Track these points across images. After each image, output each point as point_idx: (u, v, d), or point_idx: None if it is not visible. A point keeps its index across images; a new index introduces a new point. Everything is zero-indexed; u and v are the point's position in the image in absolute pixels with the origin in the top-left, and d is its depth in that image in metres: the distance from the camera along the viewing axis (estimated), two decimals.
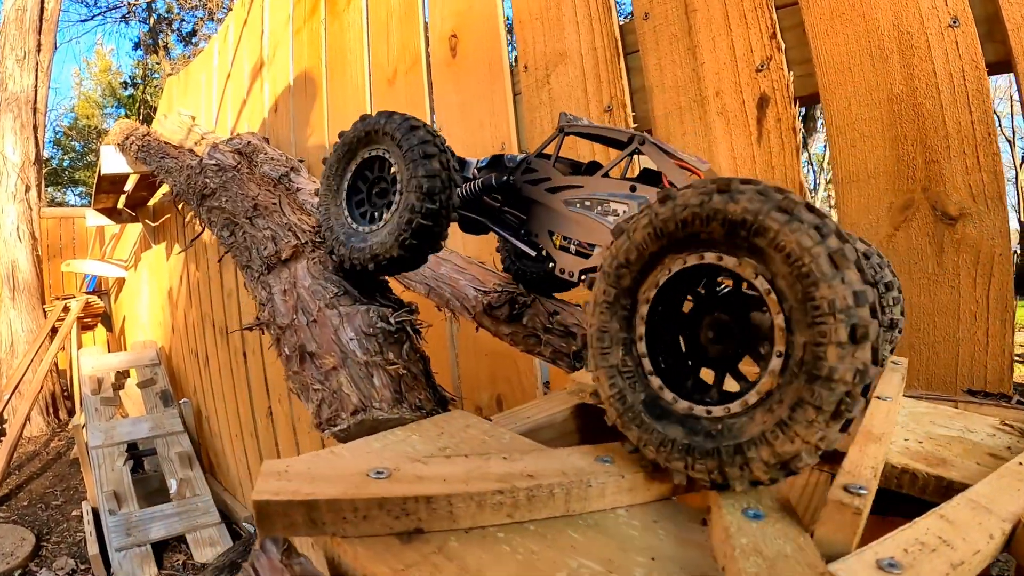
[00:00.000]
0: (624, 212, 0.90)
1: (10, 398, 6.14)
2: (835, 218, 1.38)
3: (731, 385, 0.61)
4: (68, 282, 9.93)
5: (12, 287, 7.13)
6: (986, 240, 1.18)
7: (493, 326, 1.26)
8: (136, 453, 5.19)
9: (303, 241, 1.14)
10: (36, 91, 7.48)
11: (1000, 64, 1.19)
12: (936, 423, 0.91)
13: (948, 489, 0.68)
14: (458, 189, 0.97)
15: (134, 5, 17.63)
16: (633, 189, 0.90)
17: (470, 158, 1.14)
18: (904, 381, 1.01)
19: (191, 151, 2.96)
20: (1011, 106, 14.89)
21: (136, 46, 19.05)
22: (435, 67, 2.20)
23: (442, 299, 1.36)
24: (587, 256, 0.96)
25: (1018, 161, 16.05)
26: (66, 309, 7.20)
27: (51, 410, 7.46)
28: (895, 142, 1.24)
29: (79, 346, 7.40)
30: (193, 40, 17.98)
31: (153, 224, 6.21)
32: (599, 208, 0.93)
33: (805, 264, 0.49)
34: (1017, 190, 15.48)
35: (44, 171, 8.47)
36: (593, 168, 1.02)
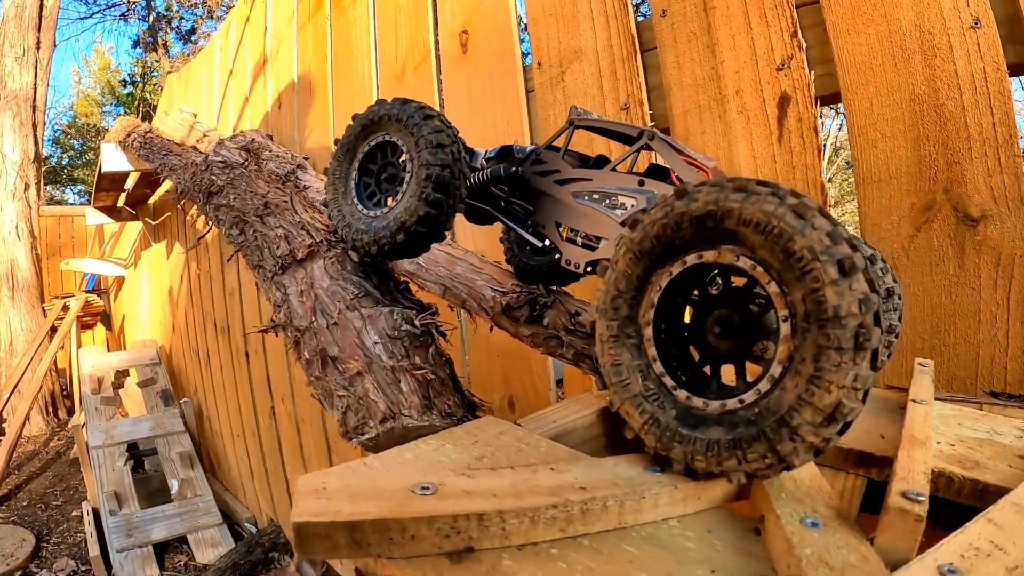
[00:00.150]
0: (632, 206, 0.90)
1: (9, 397, 6.10)
2: (856, 219, 1.36)
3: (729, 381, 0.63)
4: (67, 281, 9.90)
5: (11, 286, 7.09)
6: (1007, 242, 1.17)
7: (512, 327, 1.22)
8: (137, 453, 5.16)
9: (318, 240, 1.11)
10: (35, 89, 7.44)
11: (1021, 66, 1.19)
12: (964, 425, 0.91)
13: (984, 492, 0.68)
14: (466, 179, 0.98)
15: (133, 3, 17.59)
16: (641, 184, 0.90)
17: (478, 148, 1.13)
18: (934, 384, 1.01)
19: (194, 148, 2.93)
20: None
21: (135, 44, 18.98)
22: (445, 63, 2.17)
23: (458, 300, 1.33)
24: (593, 248, 0.96)
25: None
26: (65, 308, 7.16)
27: (50, 409, 7.43)
28: (917, 143, 1.23)
29: (79, 345, 7.36)
30: (192, 38, 17.93)
31: (153, 222, 6.17)
32: (607, 201, 0.93)
33: (773, 224, 0.52)
34: None
35: (43, 169, 8.42)
36: (601, 162, 1.03)
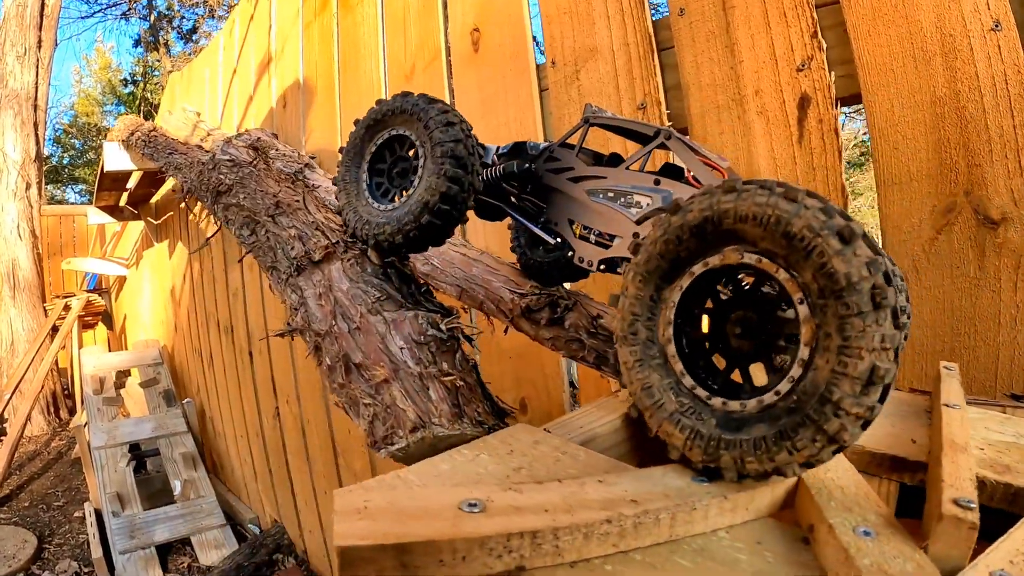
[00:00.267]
0: (647, 205, 0.90)
1: (11, 397, 6.07)
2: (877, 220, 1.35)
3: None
4: (68, 280, 9.88)
5: (12, 285, 7.06)
6: None
7: (532, 330, 1.20)
8: (139, 454, 5.13)
9: (333, 241, 1.08)
10: (37, 88, 7.41)
11: None
12: (990, 429, 0.91)
13: (1016, 497, 0.69)
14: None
15: (135, 2, 17.54)
16: (657, 183, 0.90)
17: (490, 144, 1.13)
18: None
19: (199, 147, 2.90)
20: None
21: (136, 43, 18.90)
22: (456, 62, 2.15)
23: (475, 301, 1.30)
24: (607, 246, 0.96)
25: None
26: (67, 308, 7.14)
27: (52, 409, 7.40)
28: (938, 145, 1.23)
29: (80, 345, 7.34)
30: (194, 37, 17.85)
31: (155, 222, 6.15)
32: (622, 200, 0.93)
33: (768, 213, 0.54)
34: None
35: (44, 168, 8.40)
36: (614, 160, 1.03)
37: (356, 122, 1.11)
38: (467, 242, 1.48)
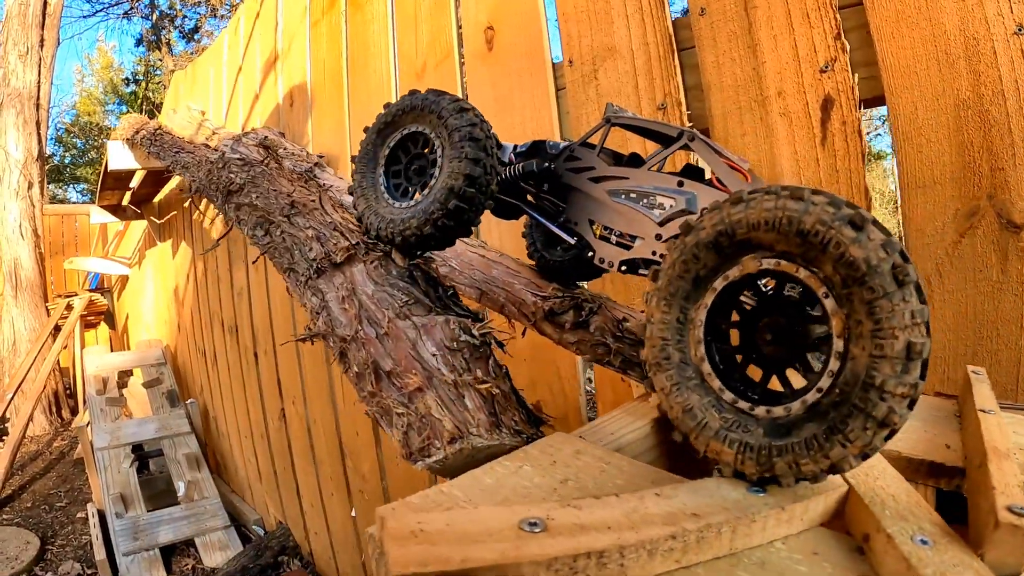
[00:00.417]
0: (671, 207, 0.89)
1: (13, 397, 6.05)
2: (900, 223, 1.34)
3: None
4: (70, 280, 9.86)
5: (15, 285, 7.05)
6: None
7: (556, 334, 1.17)
8: (142, 454, 5.11)
9: (353, 242, 1.06)
10: (39, 87, 7.39)
11: None
12: (1019, 433, 0.89)
13: None
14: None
15: (137, 1, 17.52)
16: (680, 184, 0.89)
17: (507, 143, 1.12)
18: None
19: (205, 145, 2.88)
20: None
21: (138, 43, 18.89)
22: (469, 60, 2.12)
23: (496, 304, 1.27)
24: (628, 247, 0.95)
25: None
26: (69, 307, 7.12)
27: (54, 409, 7.38)
28: (961, 148, 1.22)
29: (82, 344, 7.32)
30: (196, 37, 17.83)
31: (158, 221, 6.13)
32: (644, 201, 0.92)
33: (779, 215, 0.55)
34: None
35: (46, 168, 8.38)
36: (635, 160, 1.01)
37: (366, 129, 1.10)
38: (484, 243, 1.46)
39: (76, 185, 19.77)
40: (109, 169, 4.63)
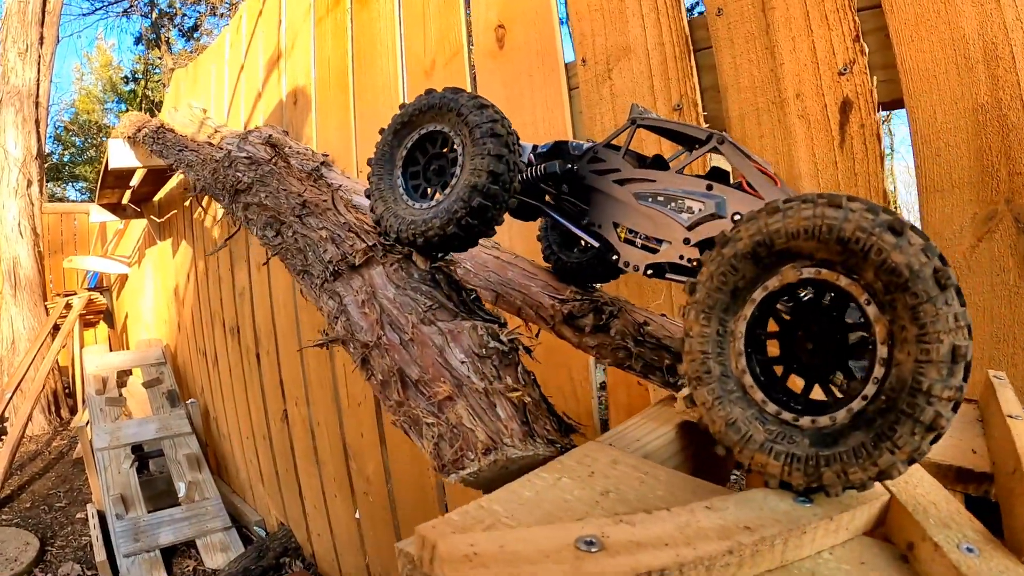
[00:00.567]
0: (699, 210, 0.88)
1: (12, 397, 6.02)
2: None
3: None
4: (69, 278, 9.83)
5: (14, 284, 7.01)
6: None
7: (576, 337, 1.15)
8: (142, 455, 5.08)
9: (370, 244, 1.03)
10: (38, 85, 7.36)
11: None
12: None
13: None
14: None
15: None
16: (709, 188, 0.88)
17: (525, 143, 1.10)
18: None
19: (208, 143, 2.85)
20: None
21: (137, 41, 18.84)
22: (479, 59, 2.10)
23: (512, 307, 1.25)
24: (654, 251, 0.93)
25: None
26: (68, 306, 7.09)
27: (53, 408, 7.35)
28: (980, 153, 1.21)
29: (81, 344, 7.29)
30: (195, 35, 17.78)
31: (158, 220, 6.10)
32: (672, 204, 0.91)
33: (818, 224, 0.55)
34: None
35: (45, 166, 8.34)
36: (658, 162, 1.00)
37: (381, 131, 1.08)
38: (499, 244, 1.43)
39: (75, 183, 19.73)
40: (110, 167, 4.60)
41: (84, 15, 17.92)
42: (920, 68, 1.27)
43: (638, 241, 0.95)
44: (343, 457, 3.21)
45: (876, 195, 1.33)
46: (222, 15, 16.89)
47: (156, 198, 6.02)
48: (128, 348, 8.06)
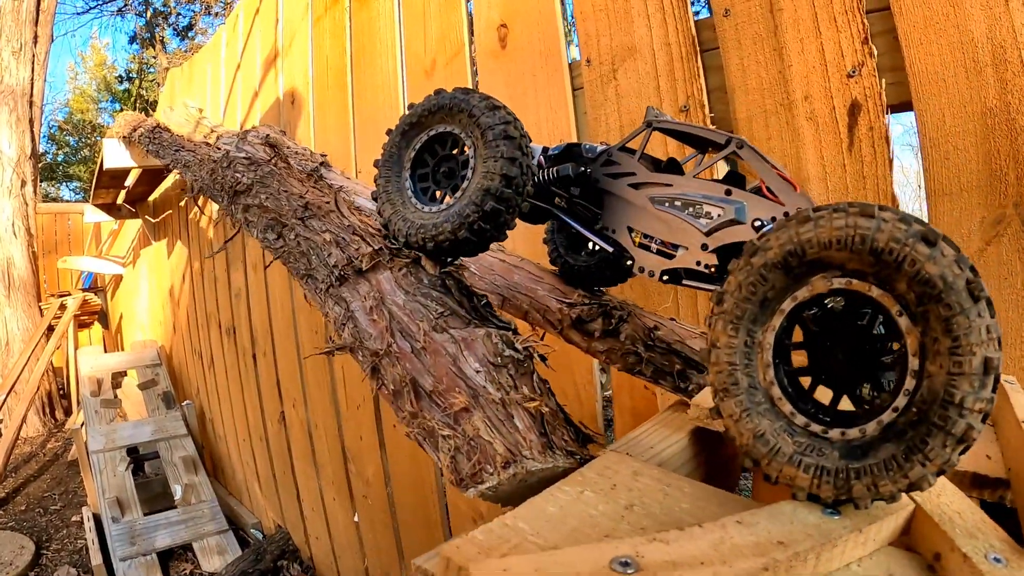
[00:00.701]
0: (718, 216, 0.86)
1: (6, 398, 5.97)
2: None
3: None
4: (63, 279, 9.77)
5: (7, 284, 6.97)
6: None
7: (584, 342, 1.13)
8: (138, 457, 5.05)
9: (376, 247, 1.01)
10: (32, 84, 7.32)
11: None
12: None
13: None
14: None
15: None
16: (728, 193, 0.86)
17: (535, 145, 1.07)
18: None
19: (205, 143, 2.82)
20: None
21: (132, 40, 18.78)
22: (481, 58, 2.07)
23: (519, 311, 1.23)
24: (670, 257, 0.92)
25: None
26: (62, 307, 7.04)
27: (47, 410, 7.31)
28: (988, 156, 1.20)
29: (76, 345, 7.24)
30: (190, 34, 17.71)
31: (153, 220, 6.06)
32: (690, 209, 0.89)
33: (851, 233, 0.54)
34: None
35: (39, 166, 8.29)
36: (673, 165, 0.98)
37: (389, 132, 1.05)
38: (503, 247, 1.42)
39: (69, 183, 19.63)
40: (105, 167, 4.56)
41: (78, 14, 17.87)
42: (929, 71, 1.26)
43: (653, 246, 0.94)
44: (342, 459, 3.19)
45: (885, 198, 1.32)
46: (217, 14, 16.83)
47: (151, 198, 5.98)
48: (123, 349, 8.01)
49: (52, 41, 7.76)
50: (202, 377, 5.33)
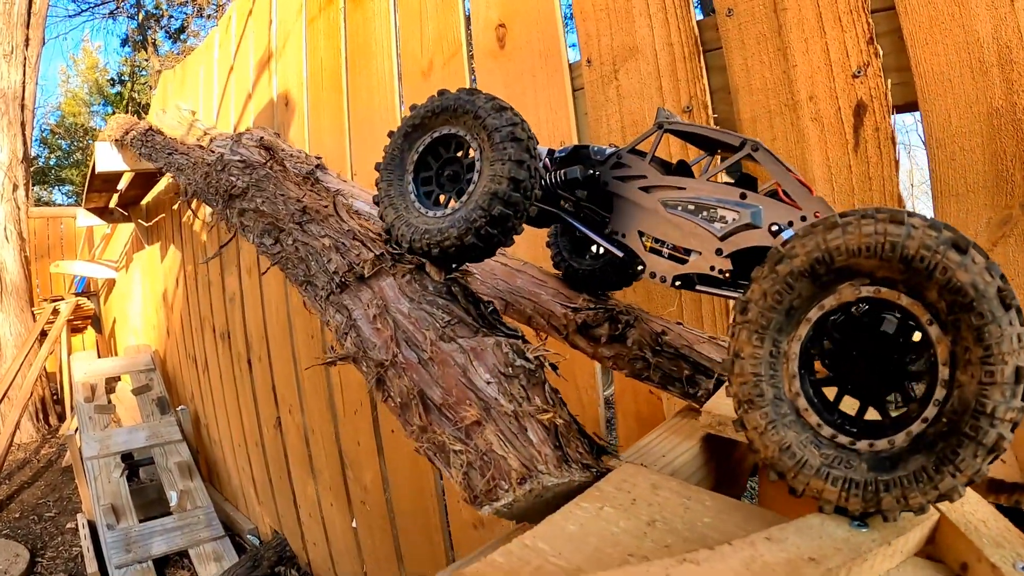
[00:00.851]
0: (733, 220, 0.83)
1: None
2: None
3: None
4: (56, 283, 9.71)
5: (0, 289, 6.90)
6: None
7: (590, 348, 1.11)
8: (133, 463, 5.00)
9: (378, 253, 0.98)
10: (24, 87, 7.26)
11: None
12: None
13: None
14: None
15: (122, 1, 17.30)
16: (743, 196, 0.83)
17: (541, 147, 1.04)
18: None
19: (199, 146, 2.78)
20: None
21: (124, 43, 18.66)
22: (479, 59, 2.05)
23: (522, 316, 1.21)
24: (683, 261, 0.89)
25: None
26: (56, 311, 6.99)
27: (41, 416, 7.24)
28: (994, 157, 1.19)
29: (69, 349, 7.19)
30: (182, 37, 17.62)
31: (146, 224, 6.01)
32: (704, 213, 0.87)
33: (881, 241, 0.52)
34: None
35: (31, 170, 8.22)
36: (682, 168, 0.96)
37: (390, 134, 1.03)
38: (505, 250, 1.39)
39: (61, 187, 19.52)
40: (97, 171, 4.52)
41: (70, 17, 17.76)
42: (935, 71, 1.24)
43: (665, 251, 0.91)
44: (339, 465, 3.16)
45: (891, 199, 1.31)
46: (209, 16, 16.76)
47: (144, 202, 5.94)
48: (116, 354, 7.96)
49: (43, 44, 7.70)
50: (196, 382, 5.29)
